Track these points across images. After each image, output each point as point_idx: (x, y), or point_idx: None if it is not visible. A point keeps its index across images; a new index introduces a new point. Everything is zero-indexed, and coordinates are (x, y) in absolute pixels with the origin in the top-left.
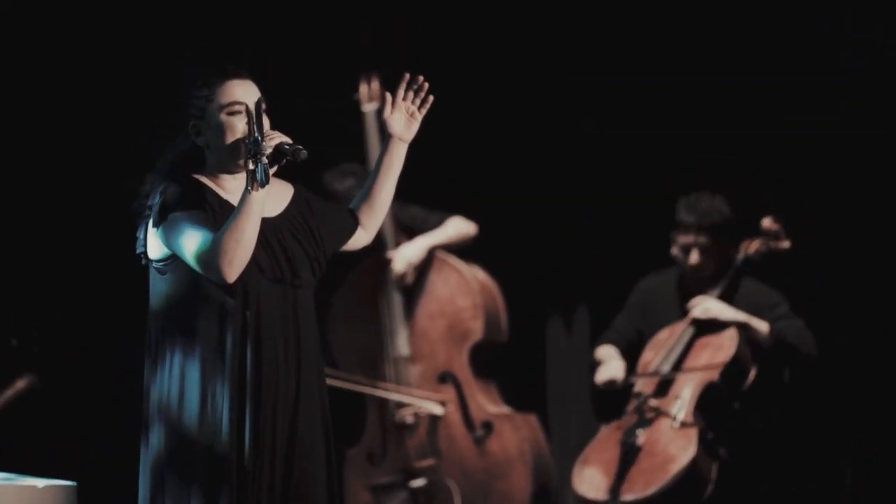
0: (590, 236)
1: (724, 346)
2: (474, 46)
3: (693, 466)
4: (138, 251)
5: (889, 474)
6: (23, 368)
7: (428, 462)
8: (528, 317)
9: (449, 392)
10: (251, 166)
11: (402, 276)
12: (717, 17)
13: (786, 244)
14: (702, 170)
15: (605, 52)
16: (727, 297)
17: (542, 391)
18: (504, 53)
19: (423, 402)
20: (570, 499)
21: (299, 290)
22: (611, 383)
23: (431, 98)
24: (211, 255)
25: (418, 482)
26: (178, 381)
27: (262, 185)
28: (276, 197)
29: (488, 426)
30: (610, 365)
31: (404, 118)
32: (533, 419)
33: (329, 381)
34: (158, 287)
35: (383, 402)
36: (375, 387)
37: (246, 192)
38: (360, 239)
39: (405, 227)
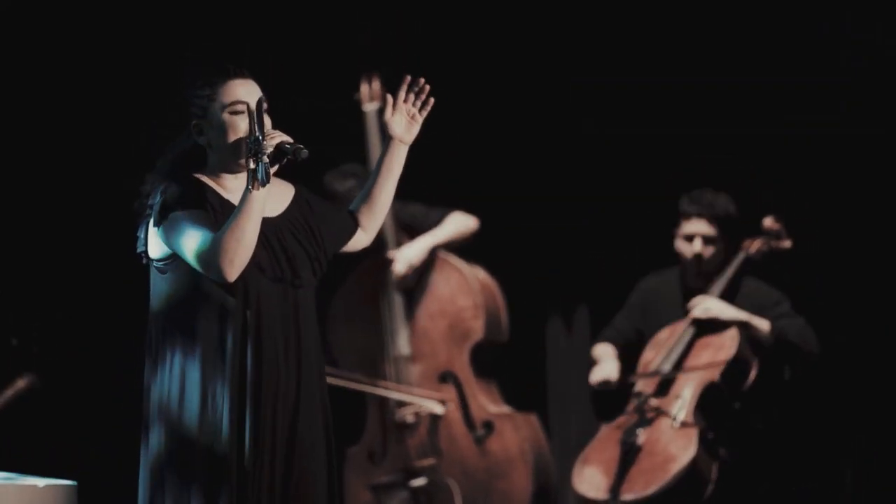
0: (590, 236)
1: (724, 346)
2: (474, 46)
3: (693, 466)
4: (139, 250)
5: (889, 474)
6: (23, 368)
7: (428, 461)
8: (528, 317)
9: (449, 391)
10: (252, 165)
11: (403, 278)
12: (717, 17)
13: (787, 244)
14: (702, 170)
15: (605, 52)
16: (728, 297)
17: (543, 391)
18: (504, 53)
19: (423, 402)
20: (570, 498)
21: (300, 290)
22: (605, 384)
23: (432, 101)
24: (212, 254)
25: (419, 481)
26: (179, 381)
27: (263, 185)
28: (277, 197)
29: (489, 426)
30: (604, 365)
31: (405, 120)
32: (533, 419)
33: (329, 380)
34: (159, 287)
35: (384, 401)
36: (376, 386)
37: (247, 192)
38: (360, 240)
39: (406, 226)
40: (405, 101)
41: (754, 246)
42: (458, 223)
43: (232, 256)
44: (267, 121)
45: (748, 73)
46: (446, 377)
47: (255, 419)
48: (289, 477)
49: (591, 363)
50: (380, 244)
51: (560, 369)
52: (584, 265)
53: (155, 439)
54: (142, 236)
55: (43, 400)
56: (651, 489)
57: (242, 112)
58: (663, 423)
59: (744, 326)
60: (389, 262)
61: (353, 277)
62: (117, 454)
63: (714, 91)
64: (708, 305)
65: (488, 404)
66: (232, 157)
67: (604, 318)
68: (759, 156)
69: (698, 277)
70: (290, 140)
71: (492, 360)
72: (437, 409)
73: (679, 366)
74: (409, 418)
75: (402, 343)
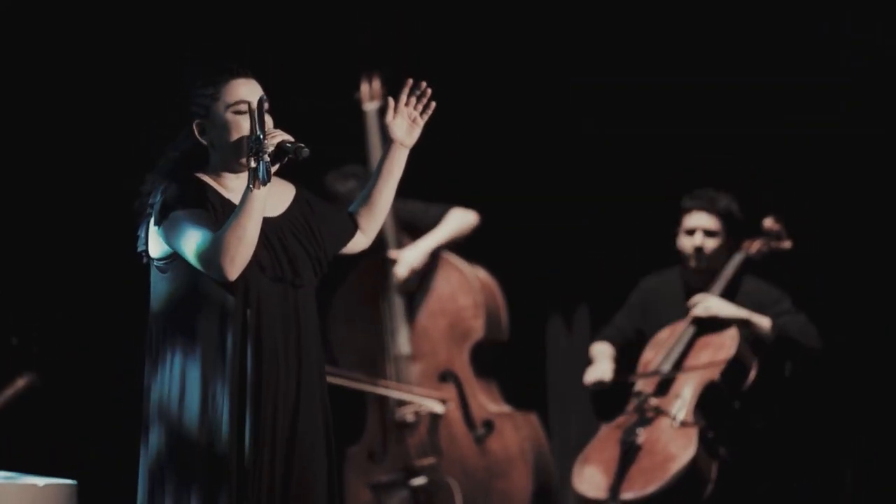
0: (590, 236)
1: (725, 346)
2: (474, 46)
3: (693, 465)
4: (139, 249)
5: (889, 474)
6: (23, 367)
7: (428, 460)
8: (528, 316)
9: (450, 391)
10: (253, 164)
11: (405, 281)
12: (717, 17)
13: (787, 244)
14: (702, 170)
15: (605, 52)
16: (728, 296)
17: (543, 390)
18: (504, 53)
19: (423, 401)
20: (570, 497)
21: (300, 290)
22: (599, 384)
23: (434, 104)
24: (213, 253)
25: (419, 480)
26: (179, 381)
27: (264, 184)
28: (277, 197)
29: (489, 425)
30: (599, 366)
31: (406, 123)
32: (533, 418)
33: (330, 379)
34: (159, 286)
35: (384, 401)
36: (376, 385)
37: (248, 190)
38: (359, 242)
39: (406, 223)
40: (406, 104)
41: (754, 246)
42: (458, 220)
43: (233, 255)
44: (268, 120)
45: (748, 73)
46: (446, 376)
47: (255, 419)
48: (289, 476)
49: (590, 362)
50: (380, 244)
51: (560, 369)
52: (585, 265)
53: (155, 439)
54: (142, 235)
55: (43, 399)
56: (651, 488)
57: (245, 111)
58: (663, 423)
59: (745, 325)
60: (390, 261)
61: (354, 277)
62: (117, 454)
63: (714, 91)
64: (708, 304)
65: (488, 403)
66: (234, 156)
67: (604, 318)
68: (759, 156)
69: (699, 275)
70: (292, 139)
71: (492, 359)
72: (437, 408)
73: (679, 365)
74: (409, 417)
75: (403, 342)
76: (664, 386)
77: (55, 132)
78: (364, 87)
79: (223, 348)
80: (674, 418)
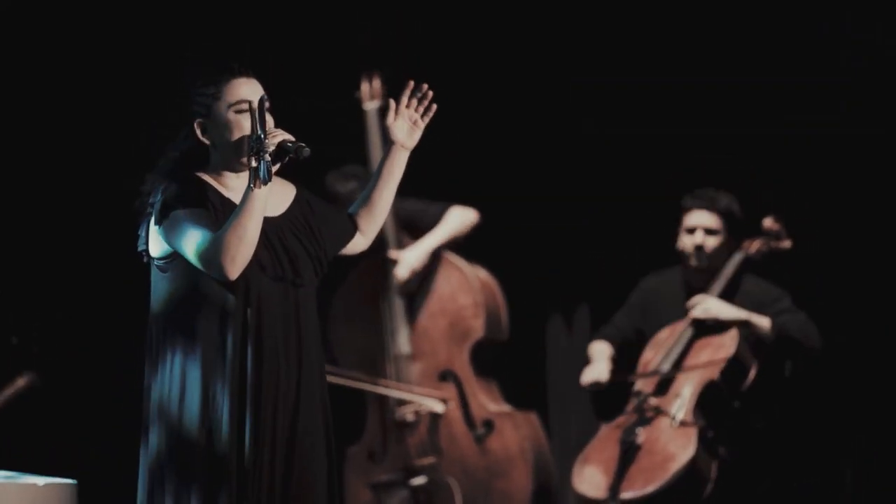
0: (590, 236)
1: (724, 346)
2: (474, 46)
3: (692, 465)
4: (140, 249)
5: (889, 474)
6: (23, 367)
7: (428, 460)
8: (529, 316)
9: (449, 390)
10: (254, 163)
11: (406, 283)
12: (717, 17)
13: (787, 244)
14: (702, 170)
15: (605, 52)
16: (728, 296)
17: (543, 390)
18: (504, 53)
19: (424, 400)
20: (570, 497)
21: (301, 290)
22: (595, 385)
23: (435, 106)
24: (213, 252)
25: (419, 480)
26: (179, 381)
27: (265, 183)
28: (278, 196)
29: (489, 424)
30: (596, 366)
31: (407, 125)
32: (533, 417)
33: (330, 379)
34: (160, 286)
35: (384, 400)
36: (376, 384)
37: (249, 190)
38: (358, 244)
39: (406, 222)
40: (408, 106)
41: (754, 246)
42: (458, 219)
43: (234, 254)
44: (269, 119)
45: (748, 73)
46: (446, 376)
47: (256, 419)
48: (289, 476)
49: (589, 362)
50: (380, 244)
51: (560, 368)
52: (585, 265)
53: (155, 439)
54: (142, 235)
55: (43, 399)
56: (650, 488)
57: (247, 111)
58: (663, 423)
59: (744, 325)
60: (390, 261)
61: (354, 277)
62: (117, 453)
63: (714, 91)
64: (708, 305)
65: (488, 403)
66: (235, 155)
67: (604, 318)
68: (759, 156)
69: (699, 274)
70: (292, 138)
71: (492, 358)
72: (438, 407)
73: (679, 365)
74: (409, 417)
75: (403, 342)
76: (664, 386)
77: (55, 132)
78: (364, 87)
79: (223, 348)
80: (673, 418)
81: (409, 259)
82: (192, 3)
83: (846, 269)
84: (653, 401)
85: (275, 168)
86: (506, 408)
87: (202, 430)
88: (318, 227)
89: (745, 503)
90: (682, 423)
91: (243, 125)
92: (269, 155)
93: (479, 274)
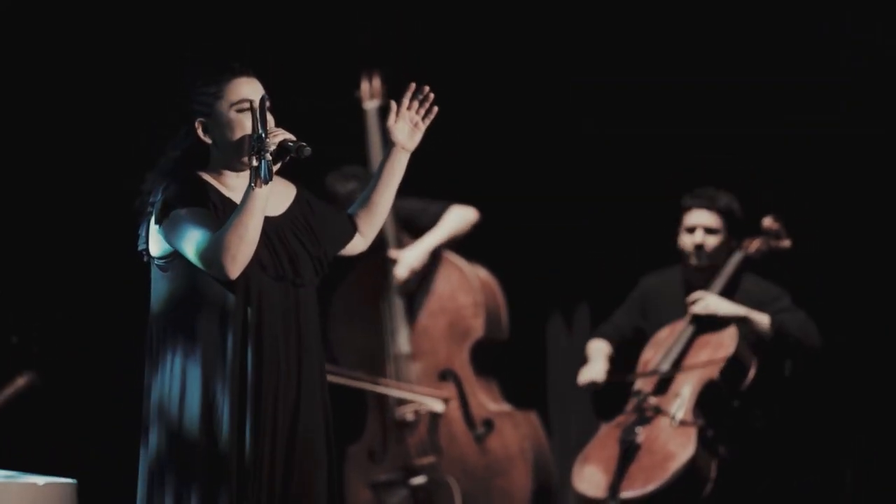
0: (590, 236)
1: (724, 344)
2: (474, 46)
3: (692, 464)
4: (140, 248)
5: (889, 474)
6: (23, 366)
7: (428, 459)
8: (529, 316)
9: (449, 389)
10: (255, 163)
11: (405, 282)
12: (717, 17)
13: (786, 243)
14: (702, 170)
15: (605, 52)
16: (728, 296)
17: (543, 389)
18: (504, 53)
19: (425, 399)
20: (570, 496)
21: (301, 289)
22: (592, 385)
23: (436, 109)
24: (214, 252)
25: (419, 479)
26: (179, 381)
27: (266, 182)
28: (279, 196)
29: (489, 424)
30: (593, 366)
31: (408, 127)
32: (533, 417)
33: (330, 378)
34: (160, 286)
35: (384, 400)
36: (377, 384)
37: (249, 189)
38: (357, 245)
39: (405, 222)
40: (409, 108)
41: (753, 245)
42: (458, 218)
43: (234, 253)
44: (270, 119)
45: (748, 73)
46: (446, 375)
47: (256, 418)
48: (289, 475)
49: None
50: (380, 243)
51: (560, 368)
52: (585, 265)
53: (155, 439)
54: (142, 234)
55: (43, 398)
56: (650, 487)
57: (248, 110)
58: (662, 422)
59: (744, 322)
60: (390, 261)
61: (354, 276)
62: (117, 453)
63: (714, 91)
64: (707, 302)
65: (488, 402)
66: (236, 154)
67: (604, 317)
68: (759, 156)
69: (699, 274)
70: (293, 138)
71: (492, 358)
72: (437, 406)
73: (678, 364)
74: (409, 416)
75: (402, 341)
76: (663, 385)
77: (55, 132)
78: (364, 86)
79: (223, 347)
80: (673, 417)
81: (408, 259)
82: (192, 3)
83: (846, 269)
84: (652, 400)
85: (276, 167)
86: (506, 407)
87: (202, 429)
88: (318, 227)
89: (744, 502)
90: (682, 423)
91: (245, 124)
92: (271, 154)
93: (479, 273)
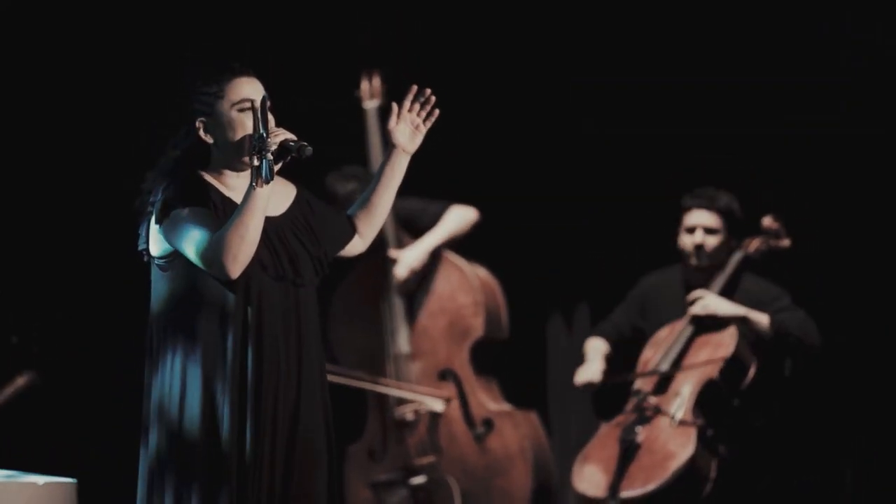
0: (590, 236)
1: (723, 344)
2: (474, 46)
3: (692, 463)
4: (140, 248)
5: (889, 474)
6: (23, 366)
7: (428, 459)
8: (529, 315)
9: (449, 389)
10: (256, 162)
11: (405, 282)
12: (717, 17)
13: (786, 243)
14: (702, 170)
15: (605, 52)
16: (727, 295)
17: (543, 389)
18: (504, 53)
19: (425, 399)
20: (570, 496)
21: (301, 289)
22: (588, 386)
23: (437, 111)
24: (215, 251)
25: (418, 479)
26: (179, 381)
27: (267, 182)
28: (279, 196)
29: (489, 423)
30: (589, 367)
31: (409, 130)
32: (533, 416)
33: (330, 378)
34: (160, 285)
35: (384, 399)
36: (377, 383)
37: (250, 189)
38: (356, 246)
39: (405, 221)
40: (410, 110)
41: (753, 245)
42: (458, 218)
43: (235, 253)
44: (270, 119)
45: (748, 73)
46: (446, 375)
47: (256, 417)
48: (289, 475)
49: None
50: (380, 243)
51: (560, 368)
52: (585, 265)
53: (155, 438)
54: (143, 234)
55: (43, 398)
56: (650, 486)
57: (249, 110)
58: (662, 421)
59: (743, 322)
60: (389, 260)
61: (353, 276)
62: (117, 452)
63: (714, 91)
64: (706, 302)
65: (488, 402)
66: (237, 154)
67: (604, 318)
68: (759, 156)
69: (699, 273)
70: (294, 137)
71: (492, 357)
72: (437, 406)
73: (678, 364)
74: (409, 416)
75: (402, 341)
76: (663, 384)
77: (55, 132)
78: (364, 85)
79: (224, 347)
80: (673, 417)
81: (407, 258)
82: (192, 3)
83: (846, 268)
84: (652, 399)
85: (277, 167)
86: (506, 407)
87: (202, 429)
88: (318, 227)
89: (744, 501)
90: (682, 422)
91: (246, 124)
92: (272, 154)
93: (479, 273)
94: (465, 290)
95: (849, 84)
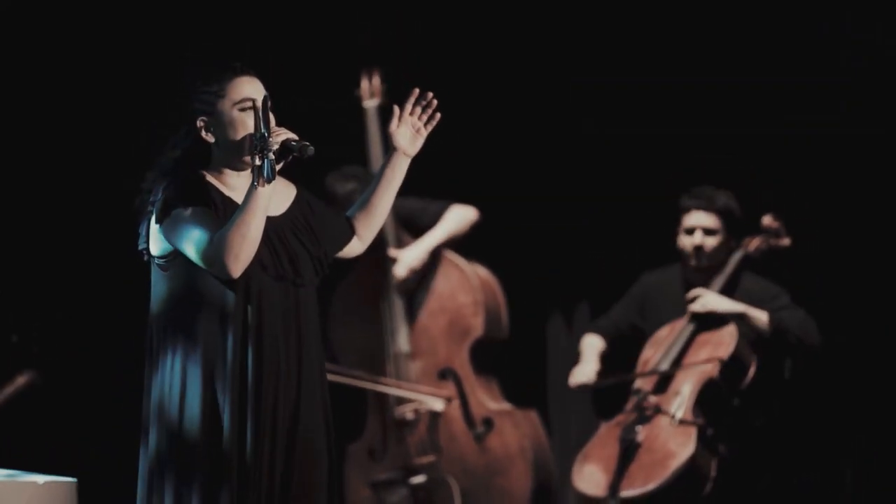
0: (590, 236)
1: (723, 343)
2: (474, 46)
3: (692, 463)
4: (140, 247)
5: (889, 474)
6: (23, 365)
7: (428, 458)
8: (529, 315)
9: (449, 388)
10: (258, 162)
11: (404, 281)
12: (717, 17)
13: (786, 242)
14: (702, 170)
15: (605, 52)
16: (728, 293)
17: (543, 388)
18: (504, 53)
19: (426, 398)
20: (570, 495)
21: (301, 289)
22: (583, 387)
23: (438, 115)
24: (216, 250)
25: (418, 479)
26: (179, 381)
27: (269, 181)
28: (279, 196)
29: (489, 423)
30: (583, 367)
31: (410, 133)
32: (533, 416)
33: (330, 377)
34: (160, 285)
35: (384, 399)
36: (377, 383)
37: (252, 188)
38: (354, 248)
39: (405, 221)
40: (411, 113)
41: (753, 244)
42: (458, 217)
43: (237, 252)
44: (271, 118)
45: (748, 73)
46: (446, 374)
47: (256, 417)
48: (289, 475)
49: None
50: (380, 242)
51: (560, 367)
52: (585, 265)
53: (155, 439)
54: (143, 233)
55: (43, 397)
56: (650, 486)
57: (250, 109)
58: (662, 420)
59: (743, 320)
60: (389, 260)
61: (353, 276)
62: (117, 451)
63: (714, 91)
64: (706, 300)
65: (488, 401)
66: (238, 153)
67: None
68: (759, 156)
69: (699, 273)
70: (296, 137)
71: (492, 357)
72: (437, 405)
73: (678, 363)
74: (409, 415)
75: (402, 340)
76: (663, 383)
77: (55, 132)
78: (364, 84)
79: (224, 347)
80: (673, 416)
81: (407, 258)
82: (192, 3)
83: (846, 268)
84: (652, 399)
85: (278, 167)
86: (506, 406)
87: (202, 429)
88: (317, 227)
89: (744, 501)
90: (682, 421)
91: (247, 123)
92: (273, 153)
93: (479, 272)
94: (465, 289)
95: (849, 84)
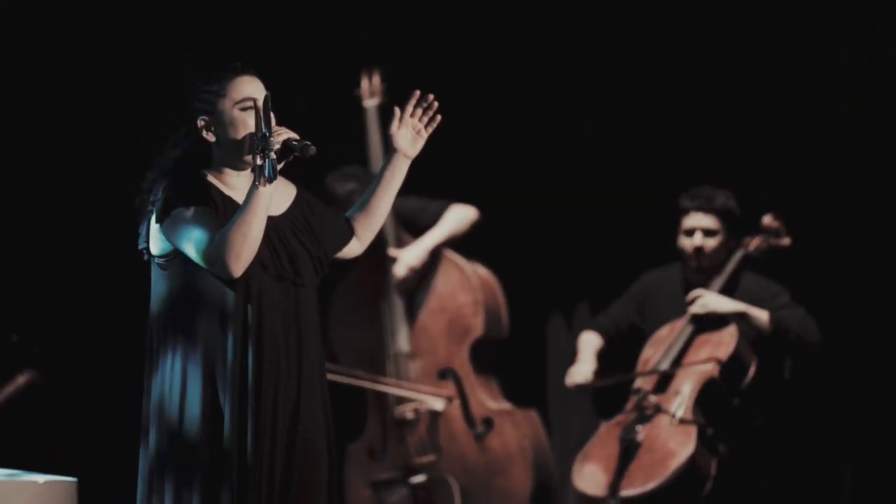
0: (590, 236)
1: (724, 342)
2: (474, 46)
3: (692, 462)
4: (140, 247)
5: (889, 474)
6: (23, 365)
7: (428, 458)
8: (529, 315)
9: (449, 388)
10: (259, 162)
11: (404, 281)
12: (717, 17)
13: (786, 241)
14: (702, 170)
15: (605, 52)
16: (728, 293)
17: (543, 388)
18: (504, 53)
19: (426, 398)
20: (570, 495)
21: (301, 289)
22: (579, 388)
23: (439, 117)
24: (218, 250)
25: (418, 478)
26: (179, 381)
27: (270, 181)
28: (280, 196)
29: (489, 422)
30: (580, 367)
31: (410, 135)
32: (533, 415)
33: (330, 377)
34: (160, 284)
35: (384, 398)
36: (377, 382)
37: (253, 188)
38: (353, 249)
39: (405, 221)
40: (412, 115)
41: (753, 243)
42: (458, 217)
43: (238, 251)
44: (272, 118)
45: (748, 73)
46: (446, 374)
47: (256, 417)
48: (289, 474)
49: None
50: (380, 242)
51: (560, 367)
52: (585, 265)
53: (155, 438)
54: (143, 233)
55: (43, 397)
56: (650, 485)
57: (251, 108)
58: (662, 420)
59: (743, 319)
60: (389, 259)
61: (353, 275)
62: (117, 451)
63: (714, 91)
64: (706, 301)
65: (488, 401)
66: (238, 153)
67: None
68: (759, 156)
69: (699, 273)
70: (297, 137)
71: (492, 356)
72: (437, 405)
73: (678, 362)
74: (409, 415)
75: (402, 340)
76: (663, 383)
77: (55, 132)
78: (364, 84)
79: (224, 346)
80: (673, 415)
81: (408, 257)
82: (192, 3)
83: (846, 268)
84: (652, 398)
85: (279, 166)
86: (506, 405)
87: (202, 429)
88: (317, 227)
89: (744, 500)
90: (682, 421)
91: (248, 123)
92: (275, 153)
93: (479, 272)
94: (465, 289)
95: (849, 84)
